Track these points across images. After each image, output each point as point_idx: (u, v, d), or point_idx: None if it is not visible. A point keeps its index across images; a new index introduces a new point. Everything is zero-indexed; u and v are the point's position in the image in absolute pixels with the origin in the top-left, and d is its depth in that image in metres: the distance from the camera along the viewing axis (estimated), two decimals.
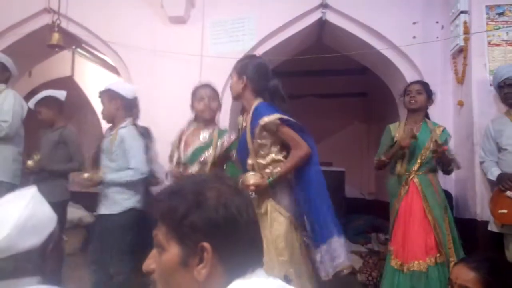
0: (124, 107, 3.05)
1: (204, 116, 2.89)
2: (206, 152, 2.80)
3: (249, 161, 2.34)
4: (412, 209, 2.89)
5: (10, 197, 1.19)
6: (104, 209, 2.93)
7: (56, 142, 3.49)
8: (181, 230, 0.80)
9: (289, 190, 2.33)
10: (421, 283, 2.73)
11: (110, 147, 2.95)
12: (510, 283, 1.24)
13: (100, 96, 3.09)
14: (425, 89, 3.10)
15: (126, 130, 2.98)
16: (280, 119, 2.27)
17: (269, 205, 2.27)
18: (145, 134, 3.17)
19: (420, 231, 2.83)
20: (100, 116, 3.34)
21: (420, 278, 2.75)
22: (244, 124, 2.45)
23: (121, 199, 2.90)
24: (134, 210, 2.91)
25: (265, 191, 2.26)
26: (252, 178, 2.24)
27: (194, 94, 2.93)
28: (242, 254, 0.81)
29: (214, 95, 2.95)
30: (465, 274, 1.27)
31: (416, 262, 2.78)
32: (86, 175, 2.90)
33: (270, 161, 2.32)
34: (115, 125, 3.05)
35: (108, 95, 3.04)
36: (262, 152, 2.33)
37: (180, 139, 2.94)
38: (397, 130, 3.09)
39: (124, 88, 3.12)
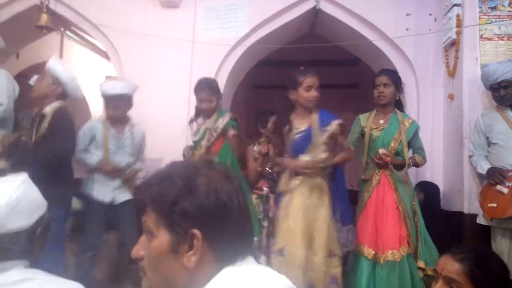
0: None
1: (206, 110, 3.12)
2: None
3: (306, 158, 2.68)
4: (384, 200, 2.89)
5: (1, 179, 1.21)
6: (124, 196, 3.14)
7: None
8: (171, 216, 0.79)
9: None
10: (396, 273, 2.74)
11: (132, 143, 3.24)
12: (495, 274, 1.25)
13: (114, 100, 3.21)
14: (393, 80, 3.06)
15: (142, 129, 3.38)
16: (341, 124, 2.73)
17: (324, 187, 2.70)
18: None
19: (394, 221, 2.84)
20: (89, 100, 3.28)
21: (394, 268, 2.74)
22: (301, 127, 2.74)
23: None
24: None
25: (322, 174, 2.71)
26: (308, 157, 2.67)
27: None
28: (232, 242, 0.81)
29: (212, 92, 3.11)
30: (450, 265, 1.27)
31: (390, 252, 2.77)
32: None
33: (323, 158, 2.71)
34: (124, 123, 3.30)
35: (126, 99, 3.27)
36: (319, 150, 2.70)
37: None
38: (367, 121, 3.10)
39: (134, 88, 3.34)
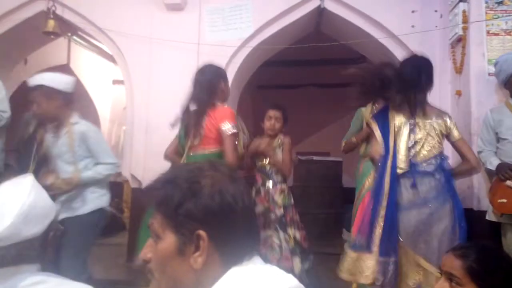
0: (65, 103, 2.69)
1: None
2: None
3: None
4: None
5: (9, 185, 1.19)
6: (70, 212, 2.60)
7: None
8: (177, 218, 0.80)
9: None
10: None
11: (70, 147, 2.62)
12: (496, 271, 1.25)
13: (32, 94, 2.65)
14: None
15: (84, 126, 2.71)
16: None
17: None
18: None
19: None
20: (97, 104, 3.26)
21: None
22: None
23: (92, 198, 2.66)
24: (103, 210, 2.70)
25: None
26: None
27: None
28: (239, 242, 0.81)
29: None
30: (451, 262, 1.29)
31: None
32: (59, 179, 2.58)
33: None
34: (59, 123, 2.70)
35: (43, 92, 2.62)
36: None
37: None
38: (368, 113, 3.16)
39: (61, 81, 2.70)
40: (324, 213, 5.84)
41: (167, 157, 2.82)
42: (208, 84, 2.67)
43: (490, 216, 2.85)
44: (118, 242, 4.72)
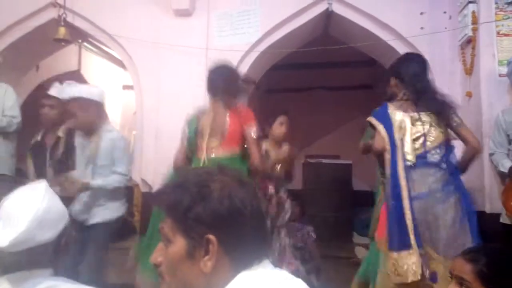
0: (100, 112, 2.88)
1: None
2: None
3: None
4: None
5: (24, 191, 1.21)
6: (96, 218, 2.77)
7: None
8: (186, 222, 0.81)
9: None
10: None
11: (100, 153, 2.79)
12: (507, 275, 1.23)
13: (69, 106, 2.82)
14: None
15: (116, 135, 2.89)
16: None
17: None
18: None
19: None
20: (107, 110, 3.27)
21: None
22: None
23: (116, 206, 2.85)
24: (121, 218, 2.92)
25: None
26: None
27: None
28: (248, 246, 0.82)
29: None
30: (461, 266, 1.28)
31: None
32: (74, 179, 2.71)
33: None
34: (92, 130, 2.85)
35: (80, 104, 2.78)
36: None
37: None
38: None
39: (96, 93, 2.90)
40: (334, 216, 5.82)
41: (177, 166, 2.75)
42: (227, 84, 2.67)
43: (504, 219, 2.82)
44: (128, 246, 4.74)
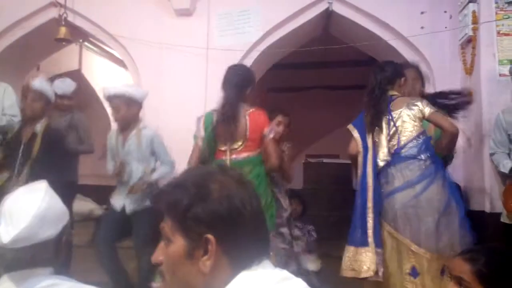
0: (138, 110, 3.14)
1: None
2: None
3: None
4: None
5: (24, 190, 1.23)
6: (137, 205, 2.99)
7: (66, 127, 3.58)
8: (185, 222, 0.81)
9: None
10: None
11: (138, 147, 3.02)
12: (505, 275, 1.24)
13: (112, 101, 3.06)
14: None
15: (151, 131, 3.09)
16: None
17: None
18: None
19: None
20: (108, 110, 3.30)
21: None
22: None
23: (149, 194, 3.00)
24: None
25: None
26: None
27: None
28: (247, 246, 0.82)
29: None
30: (460, 266, 1.28)
31: None
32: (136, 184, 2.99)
33: None
34: (130, 127, 3.08)
35: (125, 100, 3.02)
36: None
37: None
38: None
39: (139, 92, 3.18)
40: (335, 216, 5.81)
41: (191, 166, 2.76)
42: (243, 88, 2.74)
43: (505, 219, 2.82)
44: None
